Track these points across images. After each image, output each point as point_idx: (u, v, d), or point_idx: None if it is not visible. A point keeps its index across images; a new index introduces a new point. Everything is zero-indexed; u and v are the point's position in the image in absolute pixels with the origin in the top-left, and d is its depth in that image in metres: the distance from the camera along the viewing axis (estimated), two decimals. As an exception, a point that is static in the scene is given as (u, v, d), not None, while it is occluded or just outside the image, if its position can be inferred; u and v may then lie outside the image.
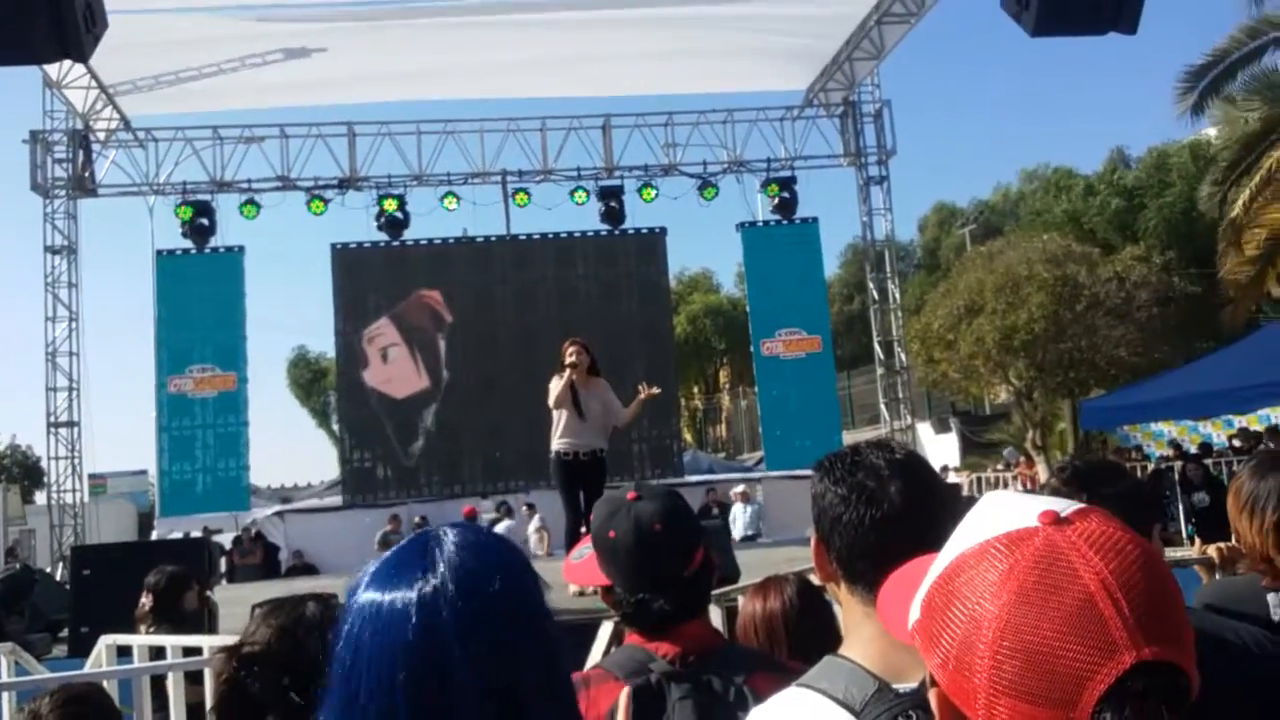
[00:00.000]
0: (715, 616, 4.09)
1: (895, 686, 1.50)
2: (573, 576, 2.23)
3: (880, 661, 1.56)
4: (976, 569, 0.90)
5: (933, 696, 0.95)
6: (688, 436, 34.23)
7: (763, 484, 18.63)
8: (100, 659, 4.68)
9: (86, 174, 18.04)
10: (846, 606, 1.67)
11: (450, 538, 1.14)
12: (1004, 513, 0.94)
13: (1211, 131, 26.54)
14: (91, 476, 21.22)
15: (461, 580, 1.08)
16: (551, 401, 7.83)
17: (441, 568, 1.09)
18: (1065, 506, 0.93)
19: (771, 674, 1.99)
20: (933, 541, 1.47)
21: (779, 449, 18.90)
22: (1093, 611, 0.83)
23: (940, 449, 27.91)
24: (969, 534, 0.95)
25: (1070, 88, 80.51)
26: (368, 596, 1.10)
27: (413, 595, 1.07)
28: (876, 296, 20.19)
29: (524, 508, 16.71)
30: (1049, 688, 0.82)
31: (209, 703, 2.65)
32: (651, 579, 2.05)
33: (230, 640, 2.24)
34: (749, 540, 15.43)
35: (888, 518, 1.59)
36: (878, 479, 1.62)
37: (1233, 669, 1.75)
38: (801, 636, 2.55)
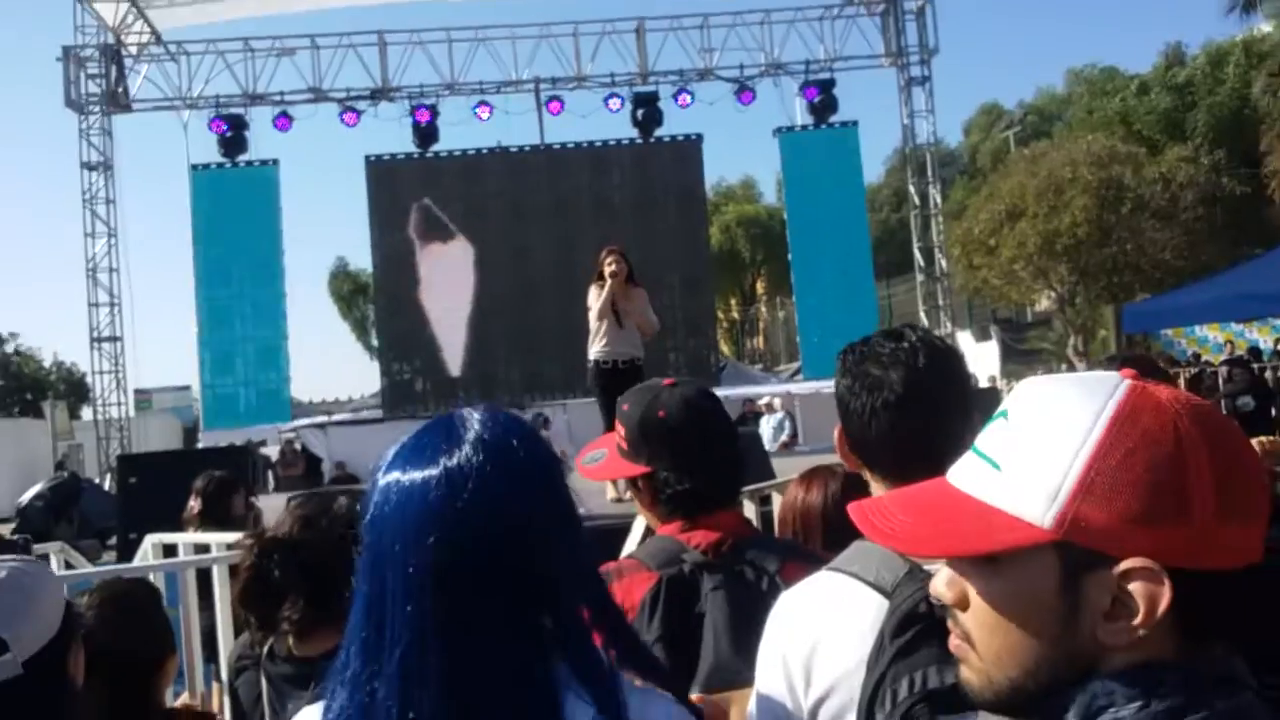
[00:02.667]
0: (749, 510, 4.11)
1: (926, 568, 1.49)
2: (599, 474, 2.22)
3: (910, 546, 1.55)
4: (1141, 426, 0.88)
5: (1105, 578, 0.89)
6: (725, 348, 34.24)
7: (798, 395, 18.61)
8: (147, 556, 4.78)
9: (120, 89, 18.03)
10: (874, 491, 1.67)
11: (474, 415, 1.15)
12: (1079, 387, 0.93)
13: (1266, 28, 25.67)
14: (136, 392, 21.58)
15: (487, 451, 1.10)
16: (594, 312, 7.81)
17: (466, 444, 1.10)
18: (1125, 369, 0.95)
19: (803, 563, 1.99)
20: (942, 425, 1.49)
21: (817, 357, 18.84)
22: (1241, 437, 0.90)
23: (981, 357, 27.74)
24: (1074, 411, 0.91)
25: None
26: (393, 475, 1.11)
27: (437, 470, 1.08)
28: (918, 202, 19.84)
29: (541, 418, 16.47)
30: (1260, 503, 0.87)
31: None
32: (709, 456, 2.05)
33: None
34: (778, 451, 15.45)
35: (888, 404, 1.60)
36: (880, 366, 1.63)
37: None
38: (838, 529, 2.53)
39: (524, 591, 1.07)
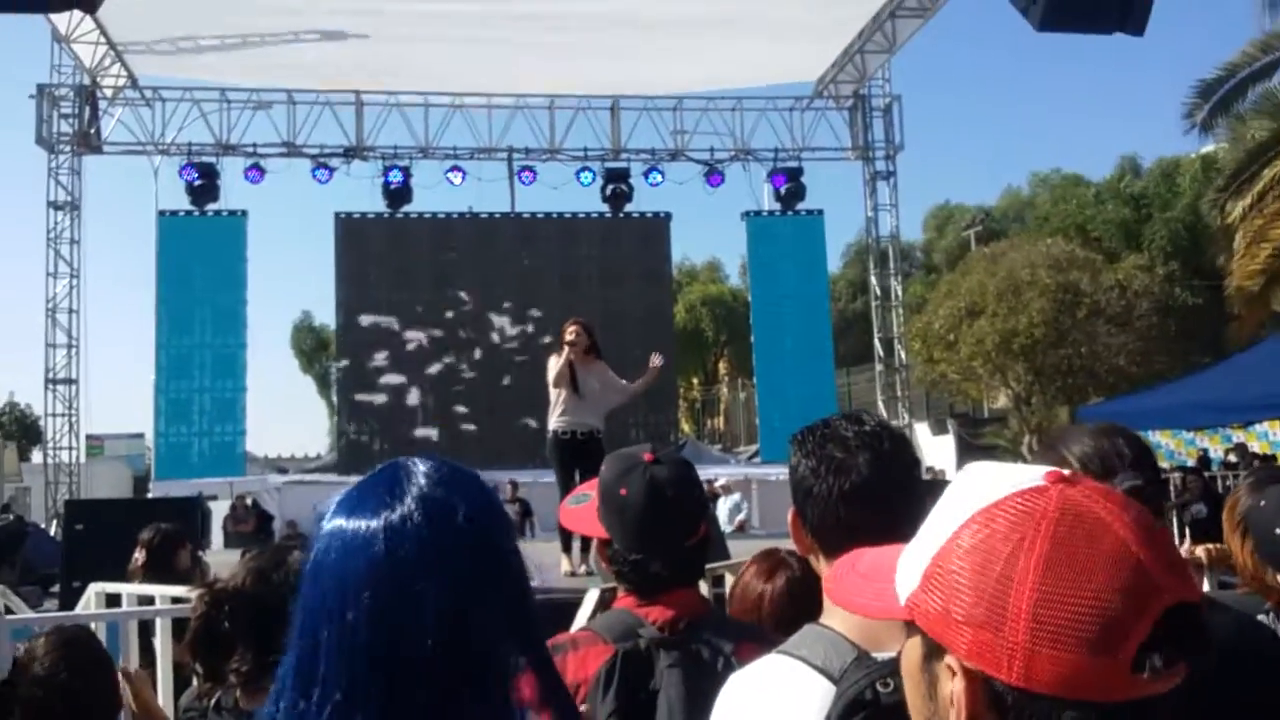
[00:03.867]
0: (702, 589, 4.11)
1: (874, 655, 1.51)
2: (569, 521, 2.24)
3: (859, 631, 1.56)
4: (993, 527, 0.89)
5: (944, 667, 0.92)
6: (685, 427, 34.23)
7: (755, 479, 18.61)
8: (89, 605, 4.69)
9: (92, 130, 17.98)
10: (825, 577, 1.68)
11: (420, 468, 1.14)
12: (999, 478, 0.93)
13: (1218, 147, 26.51)
14: (89, 437, 21.21)
15: (428, 509, 1.08)
16: (551, 379, 7.79)
17: (409, 497, 1.09)
18: (1059, 470, 0.93)
19: (758, 644, 2.00)
20: (901, 512, 1.47)
21: (776, 440, 18.87)
22: (1129, 557, 0.84)
23: (938, 449, 27.89)
24: (966, 501, 0.93)
25: (1081, 91, 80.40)
26: (335, 523, 1.09)
27: (378, 523, 1.07)
28: (879, 293, 20.14)
29: (507, 485, 16.45)
30: (1094, 633, 0.82)
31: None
32: (655, 542, 2.06)
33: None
34: (733, 532, 15.41)
35: (856, 488, 1.60)
36: (846, 450, 1.63)
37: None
38: (794, 619, 2.53)
39: (459, 657, 1.05)
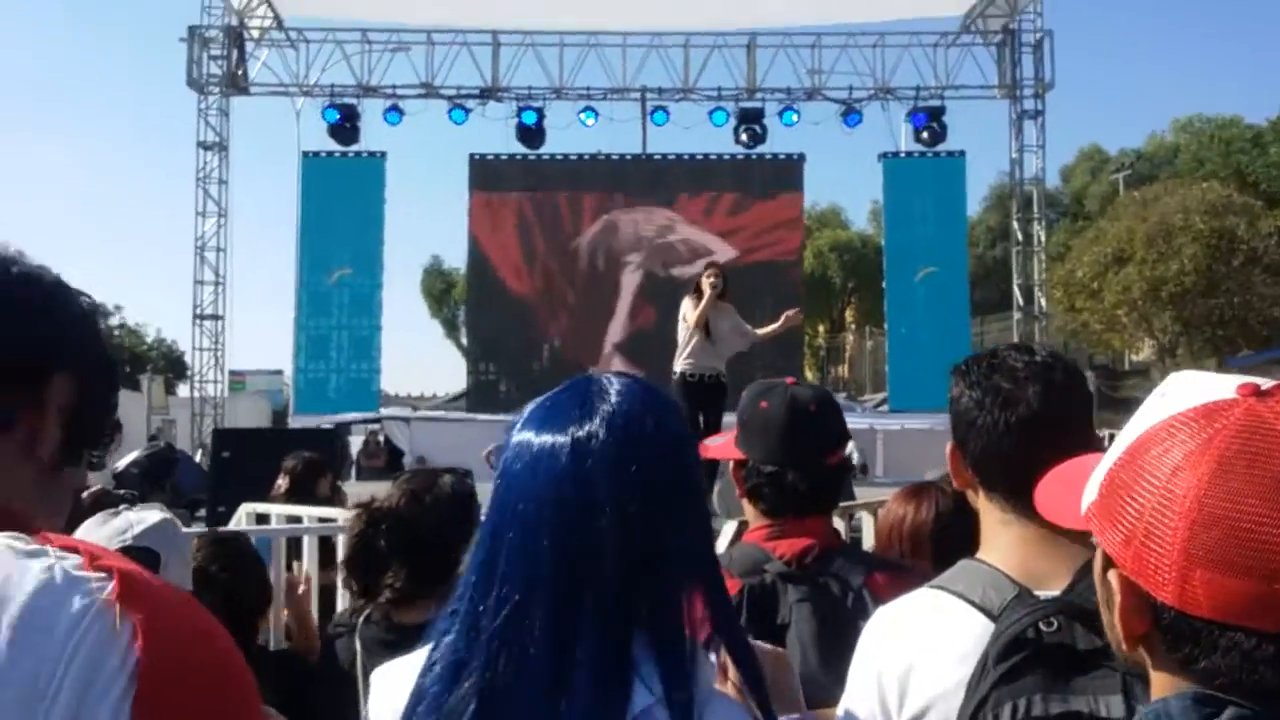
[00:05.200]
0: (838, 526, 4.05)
1: (1036, 593, 1.45)
2: (707, 451, 2.22)
3: (1020, 568, 1.52)
4: (1170, 441, 0.87)
5: (1113, 579, 0.91)
6: (810, 375, 33.95)
7: (880, 428, 18.39)
8: (240, 523, 4.91)
9: (239, 72, 18.51)
10: (984, 512, 1.63)
11: (612, 385, 1.16)
12: (1195, 389, 0.90)
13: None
14: (231, 373, 22.14)
15: (615, 424, 1.11)
16: (690, 321, 7.91)
17: (598, 413, 1.12)
18: (1265, 381, 0.88)
19: (888, 573, 1.96)
20: (1072, 446, 1.40)
21: (905, 388, 18.54)
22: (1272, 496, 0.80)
23: (1073, 401, 27.10)
24: (1155, 411, 0.91)
25: (1238, 34, 75.92)
26: (524, 435, 1.14)
27: (566, 438, 1.11)
28: (1021, 239, 19.44)
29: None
30: (1253, 557, 0.79)
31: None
32: (794, 454, 2.02)
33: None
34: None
35: (1023, 421, 1.53)
36: (1014, 381, 1.56)
37: None
38: (948, 549, 2.45)
39: (634, 562, 1.08)
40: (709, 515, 1.19)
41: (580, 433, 1.10)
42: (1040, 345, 1.68)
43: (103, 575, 0.85)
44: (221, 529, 2.76)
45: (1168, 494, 0.84)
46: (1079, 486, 0.98)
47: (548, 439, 1.11)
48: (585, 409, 1.13)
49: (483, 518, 1.17)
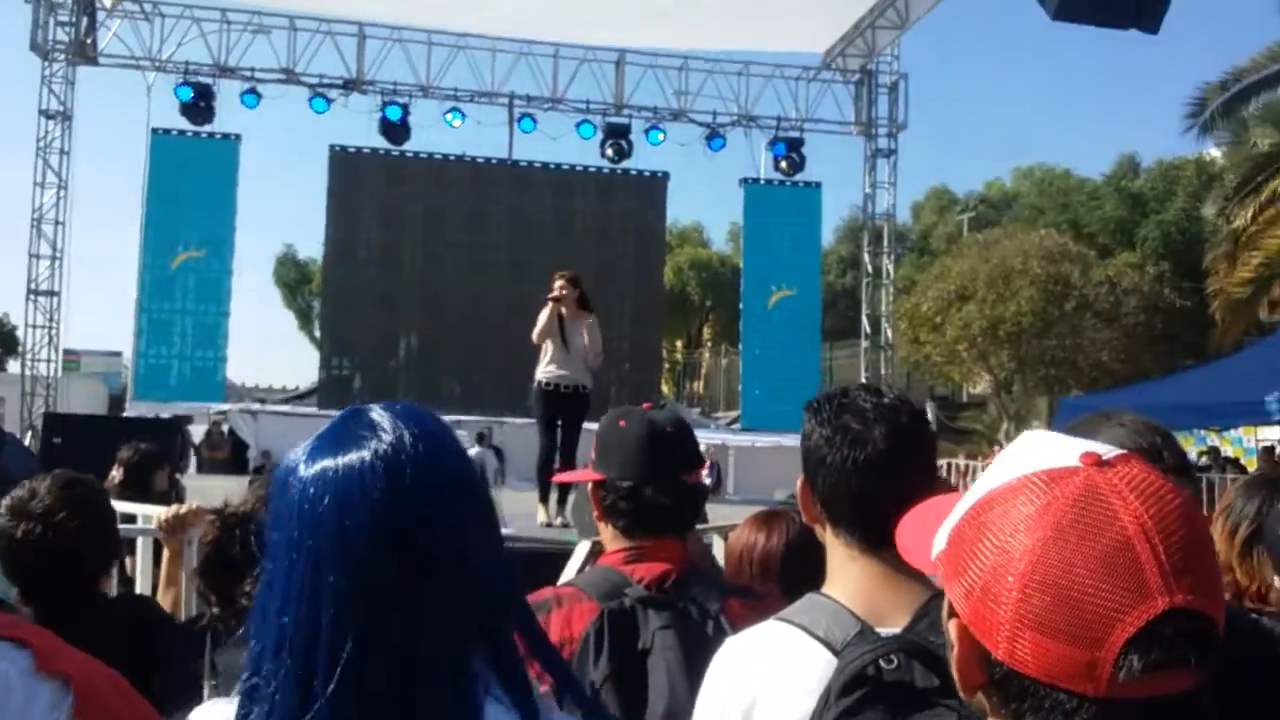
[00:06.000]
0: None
1: (878, 630, 1.49)
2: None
3: (863, 604, 1.56)
4: (1012, 502, 0.89)
5: (952, 627, 0.94)
6: (665, 389, 34.26)
7: (732, 445, 18.69)
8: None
9: (89, 40, 17.66)
10: (831, 547, 1.67)
11: (383, 408, 1.11)
12: (1044, 450, 0.93)
13: (1215, 152, 26.56)
14: (66, 352, 21.05)
15: (418, 440, 1.07)
16: (535, 334, 7.76)
17: (389, 431, 1.07)
18: (1108, 450, 0.92)
19: (745, 600, 1.99)
20: (916, 486, 1.44)
21: (756, 408, 18.95)
22: (1129, 554, 0.82)
23: (912, 430, 28.04)
24: (1005, 469, 0.94)
25: (1086, 87, 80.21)
26: (319, 465, 1.06)
27: (366, 454, 1.05)
28: (870, 270, 20.11)
29: (476, 434, 16.10)
30: (1076, 625, 0.82)
31: (192, 565, 2.69)
32: (653, 468, 2.05)
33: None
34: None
35: (870, 460, 1.58)
36: (863, 421, 1.61)
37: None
38: (797, 576, 2.51)
39: (459, 594, 1.04)
40: (499, 542, 1.16)
41: (383, 447, 1.05)
42: (888, 387, 1.74)
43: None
44: (73, 471, 2.60)
45: (1005, 554, 0.87)
46: (934, 530, 1.01)
47: (348, 460, 1.05)
48: (376, 431, 1.07)
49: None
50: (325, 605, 1.01)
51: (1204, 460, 18.54)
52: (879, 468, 1.58)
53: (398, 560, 1.02)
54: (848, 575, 1.61)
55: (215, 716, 1.13)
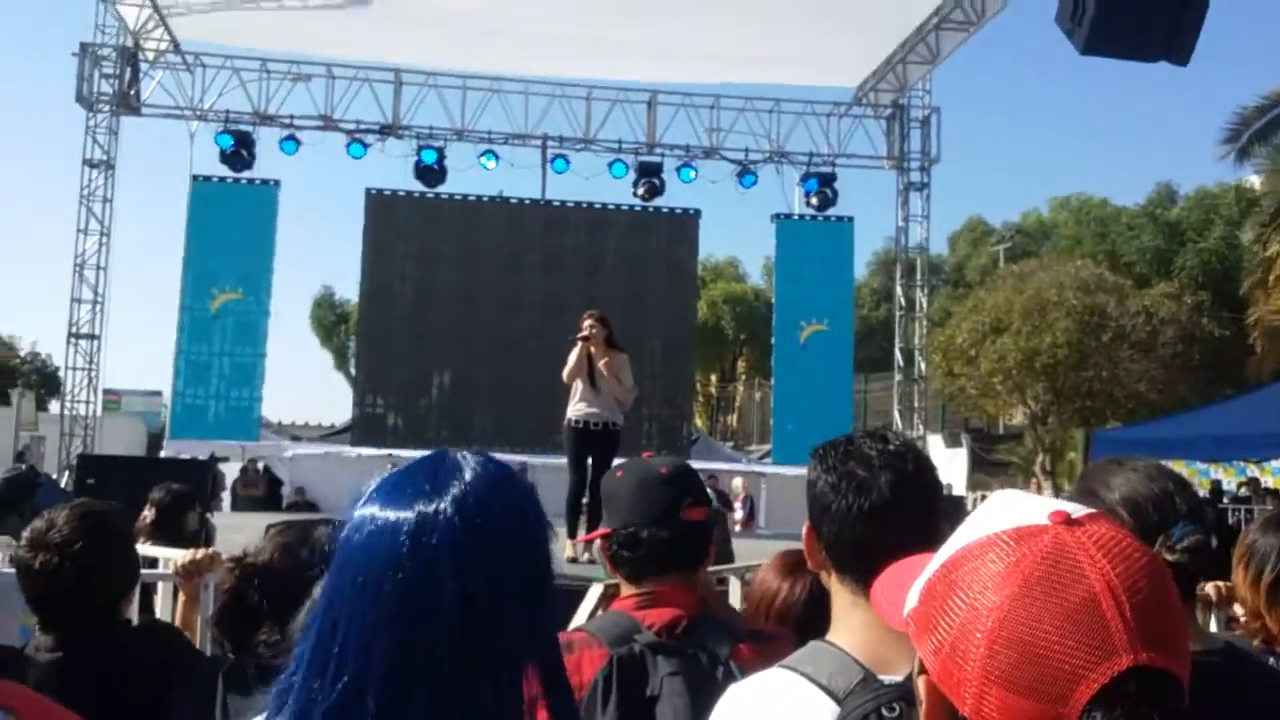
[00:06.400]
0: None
1: (880, 677, 1.50)
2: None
3: (867, 651, 1.56)
4: (981, 560, 0.91)
5: (921, 684, 0.96)
6: (699, 422, 34.21)
7: (766, 477, 18.63)
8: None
9: (132, 91, 18.05)
10: (835, 594, 1.68)
11: (466, 462, 1.13)
12: (1014, 509, 0.95)
13: (1254, 179, 26.29)
14: (106, 392, 21.36)
15: (463, 504, 1.08)
16: (565, 374, 7.84)
17: (449, 491, 1.08)
18: (1076, 509, 0.93)
19: (755, 645, 2.00)
20: (921, 534, 1.47)
21: (788, 443, 18.83)
22: (1094, 612, 0.84)
23: (950, 463, 27.81)
24: (976, 527, 0.96)
25: (1119, 116, 79.71)
26: (369, 508, 1.09)
27: (411, 515, 1.07)
28: (904, 303, 20.04)
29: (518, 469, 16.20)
30: (1041, 682, 0.83)
31: (208, 613, 2.71)
32: (647, 511, 2.08)
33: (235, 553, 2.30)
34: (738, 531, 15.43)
35: (876, 508, 1.60)
36: (869, 469, 1.62)
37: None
38: (815, 625, 2.48)
39: (473, 645, 1.05)
40: (555, 600, 1.18)
41: (428, 510, 1.06)
42: (894, 434, 1.75)
43: None
44: (94, 501, 2.63)
45: (974, 611, 0.88)
46: (908, 587, 1.02)
47: (392, 514, 1.07)
48: (435, 486, 1.09)
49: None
50: (335, 634, 1.04)
51: (1243, 491, 18.24)
52: (883, 515, 1.59)
53: (410, 609, 1.04)
54: (852, 622, 1.62)
55: None
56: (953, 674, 0.89)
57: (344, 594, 1.06)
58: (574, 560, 7.19)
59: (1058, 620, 0.84)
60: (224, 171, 18.04)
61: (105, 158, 17.79)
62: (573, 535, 7.43)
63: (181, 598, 3.09)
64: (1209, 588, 3.43)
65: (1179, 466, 20.78)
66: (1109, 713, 0.82)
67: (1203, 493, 18.27)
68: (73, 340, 17.57)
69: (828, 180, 19.21)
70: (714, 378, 41.32)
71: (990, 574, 0.89)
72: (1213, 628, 3.41)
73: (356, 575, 1.06)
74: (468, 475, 1.10)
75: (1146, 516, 1.70)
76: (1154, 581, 0.87)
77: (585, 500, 7.44)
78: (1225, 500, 17.44)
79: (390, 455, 16.61)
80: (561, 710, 1.16)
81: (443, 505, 1.07)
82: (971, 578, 0.90)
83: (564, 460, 8.15)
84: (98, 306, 17.64)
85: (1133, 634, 0.82)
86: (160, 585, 3.34)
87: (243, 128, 17.97)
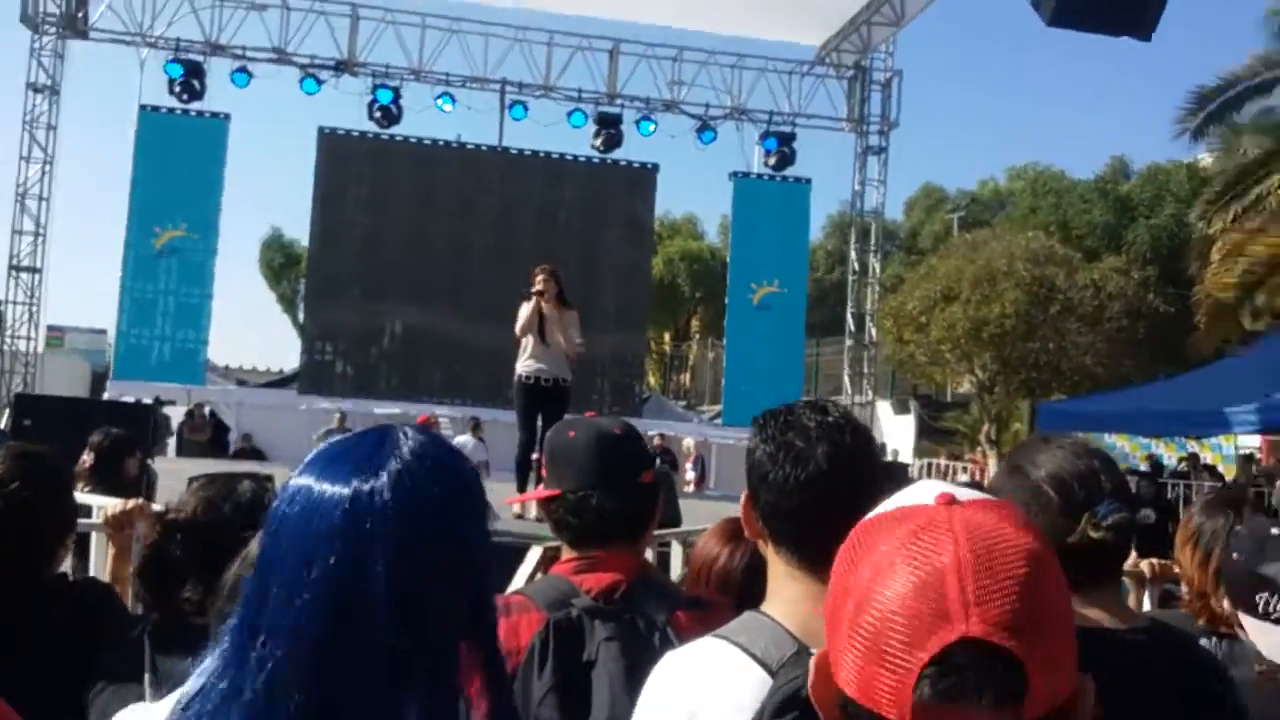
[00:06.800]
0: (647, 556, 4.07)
1: (813, 651, 1.49)
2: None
3: (801, 624, 1.56)
4: (866, 535, 0.94)
5: (815, 656, 0.96)
6: (652, 380, 34.26)
7: (715, 440, 18.70)
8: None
9: (80, 14, 17.56)
10: (771, 564, 1.67)
11: (406, 443, 1.10)
12: (915, 492, 0.97)
13: (1207, 158, 26.63)
14: (49, 328, 20.95)
15: (400, 489, 1.05)
16: (517, 328, 7.80)
17: (385, 471, 1.06)
18: (967, 494, 0.95)
19: (692, 611, 1.99)
20: (857, 506, 1.45)
21: (739, 403, 18.91)
22: (938, 584, 0.85)
23: (897, 431, 28.17)
24: (880, 508, 0.98)
25: (1080, 89, 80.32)
26: (306, 480, 1.07)
27: (347, 490, 1.04)
28: (857, 268, 20.15)
29: (470, 423, 16.08)
30: (889, 649, 0.85)
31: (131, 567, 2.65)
32: (605, 475, 2.04)
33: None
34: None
35: (812, 479, 1.59)
36: (806, 439, 1.61)
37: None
38: (754, 594, 2.46)
39: (407, 636, 1.03)
40: (491, 590, 1.16)
41: (364, 487, 1.04)
42: (833, 405, 1.74)
43: None
44: (29, 444, 2.55)
45: (846, 584, 0.91)
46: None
47: (328, 488, 1.05)
48: (372, 464, 1.06)
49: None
50: (265, 608, 1.02)
51: (1182, 466, 18.63)
52: (821, 486, 1.58)
53: (341, 590, 1.01)
54: (787, 594, 1.61)
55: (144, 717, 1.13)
56: (831, 643, 0.92)
57: (276, 568, 1.04)
58: (520, 517, 7.17)
59: (908, 591, 0.86)
60: (173, 103, 17.59)
61: (50, 82, 17.34)
62: (522, 491, 7.41)
63: (111, 550, 3.01)
64: (1143, 564, 3.48)
65: (1121, 440, 21.21)
66: (937, 682, 0.83)
67: (1143, 467, 18.67)
68: (13, 273, 17.20)
69: (787, 140, 19.19)
70: (668, 336, 41.31)
71: (866, 548, 0.92)
72: (1146, 604, 3.46)
73: (288, 550, 1.04)
74: (407, 456, 1.08)
75: (1072, 494, 1.71)
76: (1017, 564, 0.87)
77: (535, 456, 7.42)
78: (1165, 475, 17.79)
79: (339, 408, 16.41)
80: (499, 703, 1.13)
81: (379, 485, 1.04)
82: (854, 552, 0.93)
83: (512, 413, 8.13)
84: (39, 239, 17.27)
85: (969, 606, 0.83)
86: (94, 535, 3.25)
87: (193, 57, 17.52)
